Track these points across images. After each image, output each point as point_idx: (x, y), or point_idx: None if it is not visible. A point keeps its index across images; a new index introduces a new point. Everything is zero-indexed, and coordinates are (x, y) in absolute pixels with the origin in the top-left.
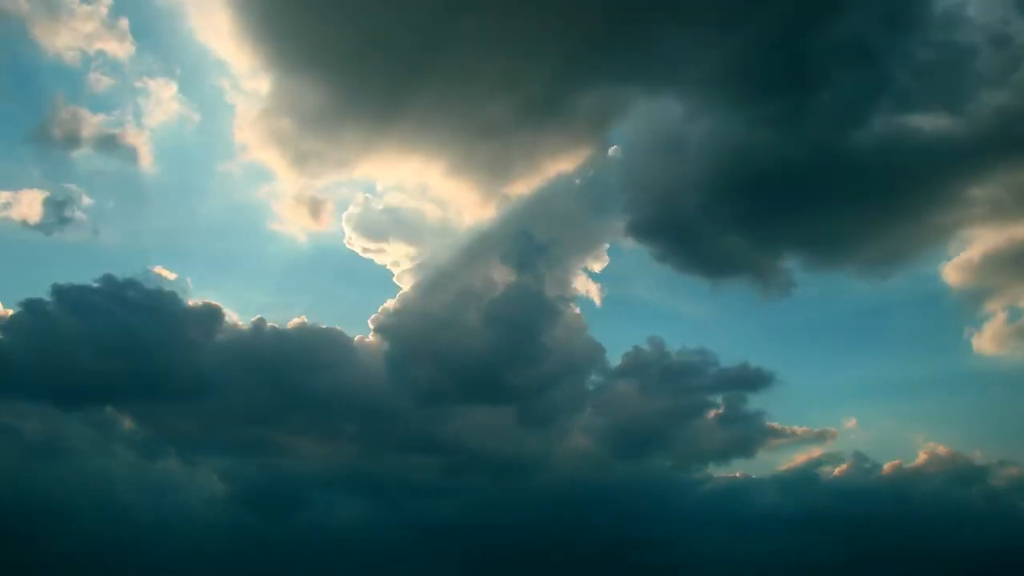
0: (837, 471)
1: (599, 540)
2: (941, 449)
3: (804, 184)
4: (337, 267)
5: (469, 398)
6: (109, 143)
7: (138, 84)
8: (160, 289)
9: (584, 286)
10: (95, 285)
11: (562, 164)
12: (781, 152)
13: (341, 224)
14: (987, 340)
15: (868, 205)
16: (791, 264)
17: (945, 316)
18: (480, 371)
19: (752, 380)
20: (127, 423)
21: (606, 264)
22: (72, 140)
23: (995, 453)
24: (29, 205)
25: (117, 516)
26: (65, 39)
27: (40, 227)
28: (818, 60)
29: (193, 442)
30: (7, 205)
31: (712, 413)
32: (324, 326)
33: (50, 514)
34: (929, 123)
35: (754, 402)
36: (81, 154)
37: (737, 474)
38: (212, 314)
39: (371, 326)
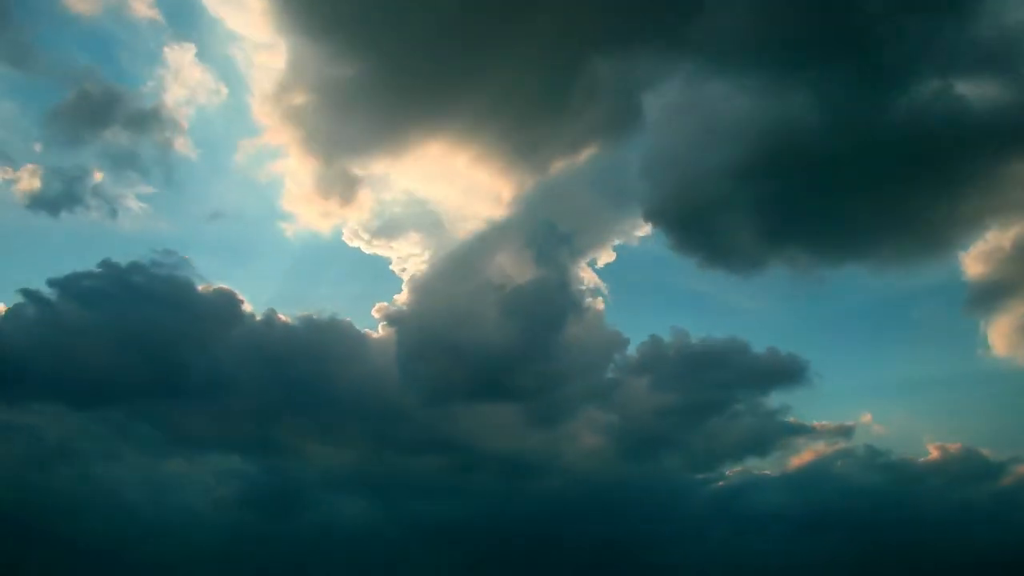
0: (851, 468)
1: (611, 538)
2: (957, 446)
3: (828, 169)
4: (349, 258)
5: (478, 394)
6: (132, 118)
7: (161, 53)
8: (172, 275)
9: (595, 278)
10: (96, 271)
11: (588, 150)
12: (808, 133)
13: (354, 213)
14: (1008, 335)
15: (897, 189)
16: (809, 257)
17: (966, 310)
18: (492, 366)
19: (773, 375)
20: (133, 421)
21: (618, 256)
22: (94, 115)
23: (1011, 451)
24: (39, 182)
25: (120, 516)
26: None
27: (50, 207)
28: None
29: (203, 441)
30: (11, 183)
31: (728, 409)
32: (335, 320)
33: (55, 515)
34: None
35: (772, 397)
36: (97, 131)
37: (754, 471)
38: (227, 303)
39: (380, 319)
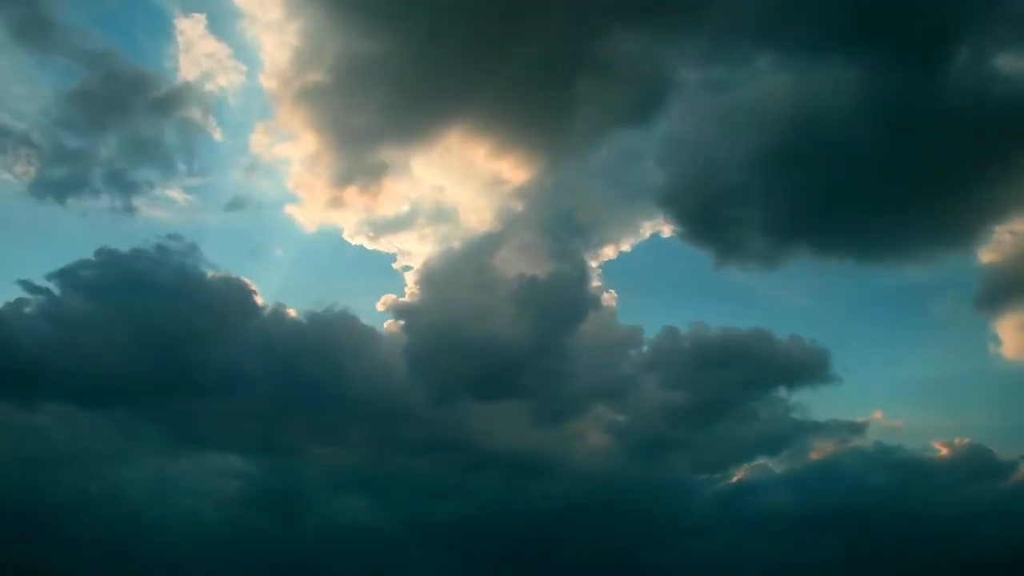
0: (862, 465)
1: (624, 538)
2: (968, 445)
3: (847, 157)
4: (357, 250)
5: (486, 391)
6: (150, 100)
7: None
8: (176, 263)
9: (609, 271)
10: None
11: (604, 141)
12: (831, 118)
13: (366, 203)
14: (1018, 333)
15: (921, 177)
16: (822, 252)
17: (978, 306)
18: (500, 362)
19: (793, 370)
20: (134, 419)
21: (633, 249)
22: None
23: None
24: (50, 170)
25: (123, 515)
26: None
27: (64, 194)
28: None
29: (208, 439)
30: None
31: (743, 405)
32: (344, 314)
33: (58, 515)
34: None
35: (787, 393)
36: (114, 114)
37: (764, 469)
38: (238, 293)
39: (387, 314)
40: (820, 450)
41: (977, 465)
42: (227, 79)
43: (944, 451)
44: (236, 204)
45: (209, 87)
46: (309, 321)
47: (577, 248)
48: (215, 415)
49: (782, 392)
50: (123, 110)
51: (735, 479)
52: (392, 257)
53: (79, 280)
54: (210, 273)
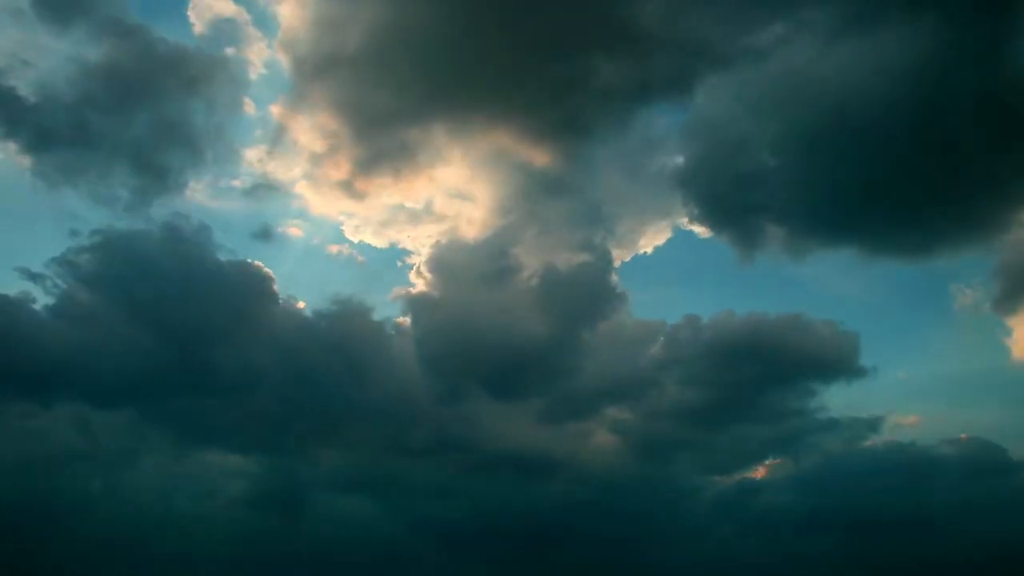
0: (875, 463)
1: (633, 538)
2: (985, 443)
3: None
4: (370, 243)
5: (495, 390)
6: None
7: None
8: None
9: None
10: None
11: (624, 130)
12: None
13: (380, 193)
14: None
15: (963, 166)
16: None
17: (995, 304)
18: (511, 359)
19: (803, 368)
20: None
21: (654, 240)
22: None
23: None
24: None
25: (119, 517)
26: None
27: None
28: None
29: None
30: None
31: (757, 402)
32: (358, 308)
33: (58, 515)
34: None
35: (790, 392)
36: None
37: (778, 468)
38: (255, 282)
39: (396, 310)
40: (835, 447)
41: (991, 463)
42: (249, 49)
43: (958, 449)
44: (247, 188)
45: (228, 52)
46: (319, 315)
47: (599, 238)
48: (224, 411)
49: (799, 388)
50: (138, 85)
51: (755, 475)
52: (405, 249)
53: (81, 262)
54: (225, 259)
